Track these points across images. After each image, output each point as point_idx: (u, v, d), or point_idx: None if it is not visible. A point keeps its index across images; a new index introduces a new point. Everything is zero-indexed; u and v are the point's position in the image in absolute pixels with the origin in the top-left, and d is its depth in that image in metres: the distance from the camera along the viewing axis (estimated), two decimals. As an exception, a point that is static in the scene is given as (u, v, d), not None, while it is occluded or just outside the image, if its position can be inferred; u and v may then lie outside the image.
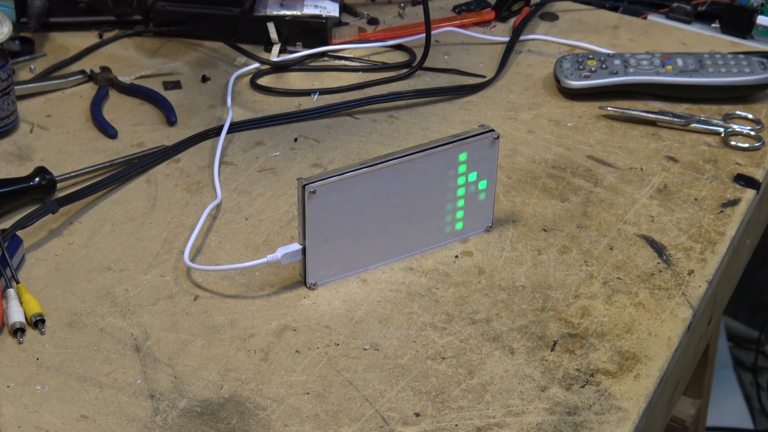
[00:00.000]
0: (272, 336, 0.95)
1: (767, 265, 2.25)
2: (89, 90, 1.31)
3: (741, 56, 1.30)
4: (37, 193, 1.10)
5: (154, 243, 1.06)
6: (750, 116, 1.26)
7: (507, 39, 1.41)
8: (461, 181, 1.03)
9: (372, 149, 1.20)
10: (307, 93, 1.31)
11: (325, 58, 1.38)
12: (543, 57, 1.39)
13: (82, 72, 1.32)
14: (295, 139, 1.22)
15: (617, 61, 1.30)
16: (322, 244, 0.98)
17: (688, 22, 1.48)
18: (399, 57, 1.39)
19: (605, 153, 1.20)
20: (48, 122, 1.25)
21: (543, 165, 1.18)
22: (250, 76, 1.33)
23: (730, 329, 2.33)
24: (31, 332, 0.95)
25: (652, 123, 1.25)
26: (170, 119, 1.25)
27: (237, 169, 1.17)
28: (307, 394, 0.90)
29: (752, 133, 1.23)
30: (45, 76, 1.32)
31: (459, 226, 1.05)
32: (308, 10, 1.39)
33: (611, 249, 1.06)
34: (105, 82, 1.31)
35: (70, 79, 1.31)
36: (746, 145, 1.21)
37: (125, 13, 1.42)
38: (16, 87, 1.24)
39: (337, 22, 1.42)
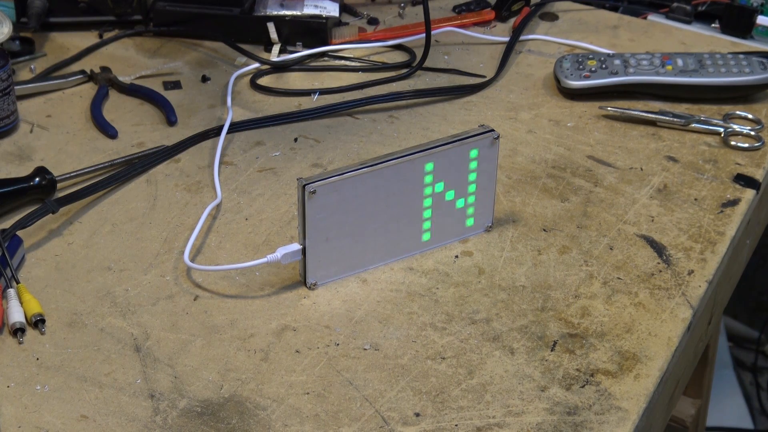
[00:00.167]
0: (272, 336, 0.95)
1: (767, 265, 2.25)
2: (89, 90, 1.31)
3: (741, 56, 1.30)
4: (37, 193, 1.10)
5: (154, 243, 1.06)
6: (750, 116, 1.26)
7: (507, 39, 1.41)
8: (461, 180, 1.03)
9: (372, 149, 1.20)
10: (307, 93, 1.31)
11: (325, 58, 1.38)
12: (543, 57, 1.39)
13: (82, 72, 1.32)
14: (295, 139, 1.22)
15: (617, 61, 1.30)
16: (322, 244, 0.98)
17: (688, 22, 1.48)
18: (399, 57, 1.39)
19: (605, 153, 1.20)
20: (48, 122, 1.25)
21: (543, 165, 1.18)
22: (250, 76, 1.33)
23: (730, 329, 2.33)
24: (31, 332, 0.95)
25: (652, 123, 1.25)
26: (170, 119, 1.25)
27: (237, 169, 1.17)
28: (307, 394, 0.90)
29: (752, 133, 1.23)
30: (45, 76, 1.32)
31: (459, 226, 1.05)
32: (308, 10, 1.39)
33: (611, 249, 1.06)
34: (105, 82, 1.31)
35: (70, 79, 1.31)
36: (746, 145, 1.21)
37: (125, 13, 1.42)
38: (16, 87, 1.24)
39: (337, 22, 1.42)
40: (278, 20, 1.38)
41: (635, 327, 0.97)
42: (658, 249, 1.06)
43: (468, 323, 0.97)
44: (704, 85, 1.27)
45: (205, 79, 1.33)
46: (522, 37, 1.42)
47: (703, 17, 1.48)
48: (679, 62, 1.29)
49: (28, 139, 1.22)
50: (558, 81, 1.30)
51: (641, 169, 1.17)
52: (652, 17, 1.50)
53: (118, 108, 1.28)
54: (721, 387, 2.21)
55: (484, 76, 1.34)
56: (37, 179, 1.11)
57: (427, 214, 1.03)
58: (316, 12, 1.39)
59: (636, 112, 1.25)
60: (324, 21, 1.38)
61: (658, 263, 1.04)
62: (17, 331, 0.94)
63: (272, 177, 1.16)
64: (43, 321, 0.96)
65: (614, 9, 1.52)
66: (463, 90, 1.31)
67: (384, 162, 0.98)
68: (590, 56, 1.31)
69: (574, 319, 0.97)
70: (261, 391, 0.90)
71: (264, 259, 0.99)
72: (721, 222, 1.09)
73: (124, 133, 1.23)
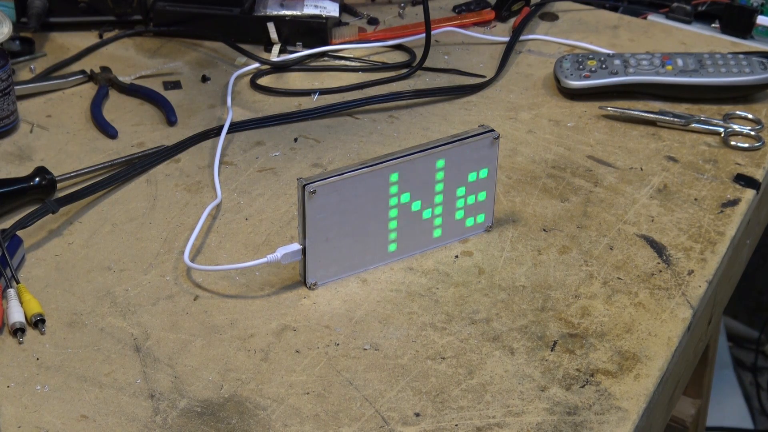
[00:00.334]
0: (272, 336, 0.95)
1: (767, 265, 2.25)
2: (89, 90, 1.31)
3: (741, 56, 1.30)
4: (37, 193, 1.10)
5: (154, 243, 1.06)
6: (750, 116, 1.26)
7: (507, 39, 1.41)
8: (462, 181, 1.03)
9: (372, 149, 1.20)
10: (307, 93, 1.31)
11: (325, 58, 1.38)
12: (543, 57, 1.39)
13: (82, 72, 1.32)
14: (295, 139, 1.22)
15: (617, 61, 1.30)
16: (322, 244, 0.98)
17: (688, 22, 1.48)
18: (399, 57, 1.39)
19: (605, 153, 1.20)
20: (48, 122, 1.25)
21: (543, 165, 1.18)
22: (250, 76, 1.33)
23: (730, 329, 2.33)
24: (31, 332, 0.95)
25: (652, 123, 1.25)
26: (170, 119, 1.25)
27: (237, 169, 1.17)
28: (307, 394, 0.90)
29: (752, 133, 1.23)
30: (45, 76, 1.32)
31: (459, 226, 1.05)
32: (308, 10, 1.39)
33: (611, 249, 1.06)
34: (105, 82, 1.31)
35: (70, 79, 1.31)
36: (746, 145, 1.21)
37: (125, 13, 1.42)
38: (16, 87, 1.24)
39: (337, 22, 1.42)
40: (278, 20, 1.38)
41: (635, 327, 0.97)
42: (658, 249, 1.06)
43: (468, 323, 0.97)
44: (704, 85, 1.27)
45: (205, 79, 1.33)
46: (522, 37, 1.42)
47: (703, 17, 1.48)
48: (679, 62, 1.29)
49: (28, 139, 1.22)
50: (558, 81, 1.30)
51: (641, 169, 1.17)
52: (652, 17, 1.50)
53: (118, 108, 1.28)
54: (721, 387, 2.21)
55: (484, 76, 1.34)
56: (37, 179, 1.11)
57: (426, 214, 1.03)
58: (316, 12, 1.39)
59: (636, 112, 1.25)
60: (324, 21, 1.38)
61: (658, 263, 1.04)
62: (17, 331, 0.94)
63: (272, 177, 1.16)
64: (43, 321, 0.96)
65: (614, 9, 1.52)
66: (463, 90, 1.31)
67: (384, 162, 0.98)
68: (590, 56, 1.31)
69: (574, 319, 0.97)
70: (261, 391, 0.90)
71: (264, 259, 0.99)
72: (721, 222, 1.09)
73: (124, 133, 1.23)
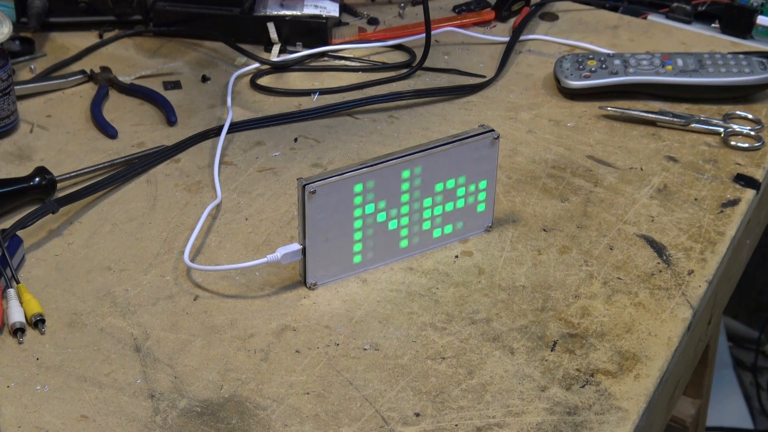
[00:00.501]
0: (272, 336, 0.95)
1: (767, 265, 2.25)
2: (89, 90, 1.31)
3: (741, 56, 1.30)
4: (37, 193, 1.10)
5: (154, 243, 1.06)
6: (750, 116, 1.26)
7: (507, 39, 1.41)
8: (461, 180, 1.03)
9: (372, 149, 1.20)
10: (307, 93, 1.31)
11: (325, 58, 1.38)
12: (543, 57, 1.39)
13: (82, 72, 1.32)
14: (295, 139, 1.22)
15: (617, 61, 1.30)
16: (322, 244, 0.98)
17: (688, 22, 1.48)
18: (399, 57, 1.39)
19: (605, 153, 1.20)
20: (48, 122, 1.25)
21: (543, 165, 1.18)
22: (250, 76, 1.33)
23: (730, 329, 2.33)
24: (31, 332, 0.95)
25: (652, 123, 1.25)
26: (170, 119, 1.25)
27: (237, 169, 1.17)
28: (307, 394, 0.90)
29: (752, 133, 1.23)
30: (45, 76, 1.32)
31: (459, 226, 1.05)
32: (308, 10, 1.39)
33: (611, 249, 1.06)
34: (105, 82, 1.31)
35: (70, 79, 1.31)
36: (746, 145, 1.21)
37: (125, 13, 1.42)
38: (16, 87, 1.24)
39: (337, 22, 1.42)
40: (278, 20, 1.38)
41: (635, 327, 0.97)
42: (658, 249, 1.06)
43: (468, 323, 0.97)
44: (704, 85, 1.27)
45: (205, 79, 1.33)
46: (522, 37, 1.42)
47: (703, 17, 1.48)
48: (679, 62, 1.29)
49: (28, 139, 1.22)
50: (558, 81, 1.30)
51: (641, 169, 1.17)
52: (652, 17, 1.50)
53: (118, 108, 1.28)
54: (721, 387, 2.21)
55: (484, 76, 1.34)
56: (37, 179, 1.11)
57: (426, 214, 1.03)
58: (316, 12, 1.39)
59: (636, 112, 1.25)
60: (324, 21, 1.38)
61: (658, 263, 1.04)
62: (17, 331, 0.94)
63: (272, 177, 1.16)
64: (43, 321, 0.96)
65: (614, 9, 1.52)
66: (463, 90, 1.31)
67: (384, 162, 0.98)
68: (590, 56, 1.31)
69: (574, 319, 0.97)
70: (261, 391, 0.90)
71: (264, 259, 0.99)
72: (721, 222, 1.09)
73: (124, 133, 1.23)
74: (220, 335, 0.95)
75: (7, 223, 1.05)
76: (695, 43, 1.42)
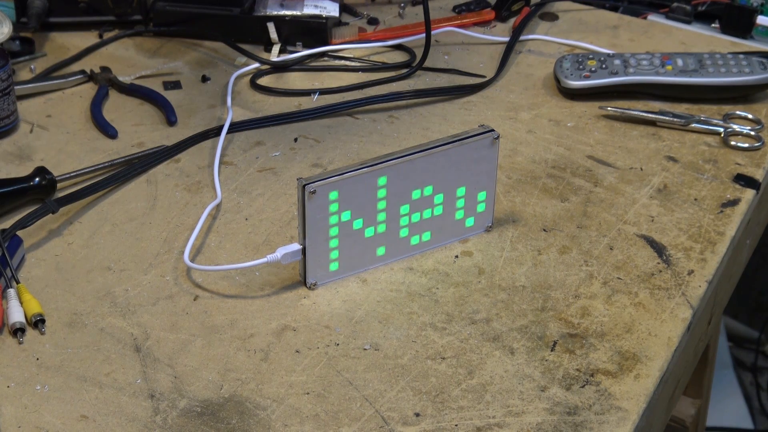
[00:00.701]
0: (272, 336, 0.95)
1: (767, 265, 2.25)
2: (89, 90, 1.31)
3: (741, 56, 1.30)
4: (37, 193, 1.10)
5: (154, 243, 1.06)
6: (750, 116, 1.26)
7: (507, 39, 1.41)
8: (461, 180, 1.03)
9: (372, 149, 1.20)
10: (307, 93, 1.31)
11: (325, 58, 1.38)
12: (543, 57, 1.39)
13: (82, 72, 1.32)
14: (295, 139, 1.22)
15: (617, 61, 1.30)
16: (322, 244, 0.98)
17: (688, 22, 1.48)
18: (399, 57, 1.39)
19: (605, 153, 1.20)
20: (48, 122, 1.25)
21: (543, 165, 1.18)
22: (250, 76, 1.33)
23: (730, 329, 2.33)
24: (31, 332, 0.95)
25: (652, 123, 1.25)
26: (170, 119, 1.25)
27: (237, 169, 1.17)
28: (307, 394, 0.90)
29: (752, 133, 1.23)
30: (45, 76, 1.32)
31: (459, 226, 1.05)
32: (308, 10, 1.39)
33: (611, 249, 1.06)
34: (105, 82, 1.31)
35: (70, 79, 1.31)
36: (746, 145, 1.21)
37: (125, 13, 1.42)
38: (16, 87, 1.24)
39: (337, 22, 1.42)
40: (278, 20, 1.38)
41: (635, 327, 0.97)
42: (658, 249, 1.06)
43: (468, 323, 0.97)
44: (704, 85, 1.27)
45: (205, 79, 1.33)
46: (522, 37, 1.42)
47: (703, 17, 1.48)
48: (679, 62, 1.29)
49: (28, 139, 1.22)
50: (558, 81, 1.30)
51: (641, 169, 1.17)
52: (652, 17, 1.50)
53: (118, 108, 1.28)
54: (721, 387, 2.21)
55: (484, 76, 1.34)
56: (37, 179, 1.11)
57: (427, 214, 1.03)
58: (316, 12, 1.39)
59: (636, 112, 1.25)
60: (324, 21, 1.38)
61: (658, 263, 1.04)
62: (17, 331, 0.94)
63: (272, 177, 1.16)
64: (43, 321, 0.96)
65: (614, 9, 1.52)
66: (463, 90, 1.31)
67: (384, 162, 0.98)
68: (590, 56, 1.31)
69: (574, 319, 0.97)
70: (261, 391, 0.90)
71: (264, 259, 0.99)
72: (721, 222, 1.09)
73: (124, 133, 1.23)
74: (220, 335, 0.95)
75: (7, 223, 1.05)
76: (695, 43, 1.42)
